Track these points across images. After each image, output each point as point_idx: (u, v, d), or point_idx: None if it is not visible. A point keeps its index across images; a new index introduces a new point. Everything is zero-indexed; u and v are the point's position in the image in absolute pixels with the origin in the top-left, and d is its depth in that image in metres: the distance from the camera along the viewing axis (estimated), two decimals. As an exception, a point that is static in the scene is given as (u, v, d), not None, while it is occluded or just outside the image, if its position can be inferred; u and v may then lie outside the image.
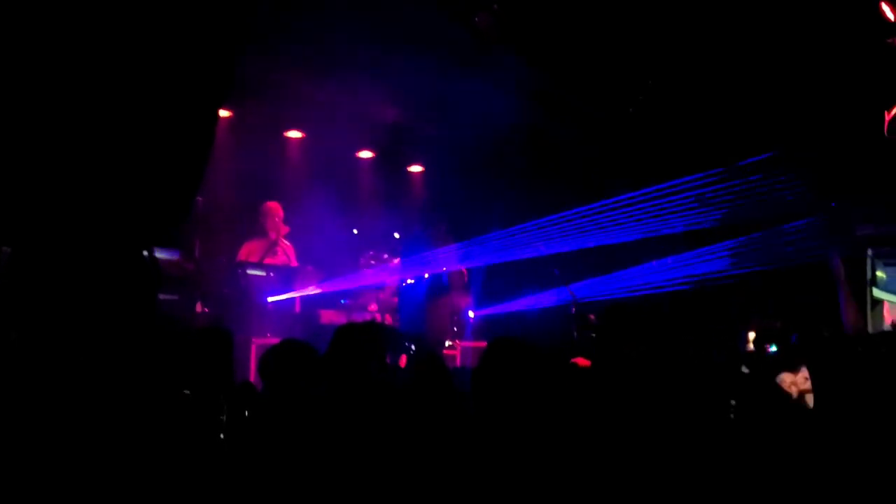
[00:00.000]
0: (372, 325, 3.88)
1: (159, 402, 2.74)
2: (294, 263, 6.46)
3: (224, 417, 2.66)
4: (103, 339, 3.56)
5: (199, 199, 6.10)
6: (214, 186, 6.09)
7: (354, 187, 7.75)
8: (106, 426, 2.40)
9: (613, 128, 6.84)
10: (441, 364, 3.19)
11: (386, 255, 6.98)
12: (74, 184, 4.45)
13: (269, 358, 3.26)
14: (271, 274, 6.10)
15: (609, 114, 6.81)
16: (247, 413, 2.75)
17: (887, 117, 4.99)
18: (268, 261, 6.29)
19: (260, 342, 5.46)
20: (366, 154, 8.05)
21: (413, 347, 4.50)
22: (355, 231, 7.05)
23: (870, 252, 6.02)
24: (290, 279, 6.20)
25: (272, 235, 6.38)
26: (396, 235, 7.14)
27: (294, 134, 7.54)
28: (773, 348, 4.55)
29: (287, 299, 6.10)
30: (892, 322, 5.66)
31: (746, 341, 5.03)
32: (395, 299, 6.95)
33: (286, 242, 6.49)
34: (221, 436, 2.60)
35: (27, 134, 4.19)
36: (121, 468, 2.13)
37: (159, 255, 4.95)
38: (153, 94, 4.44)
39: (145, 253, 4.79)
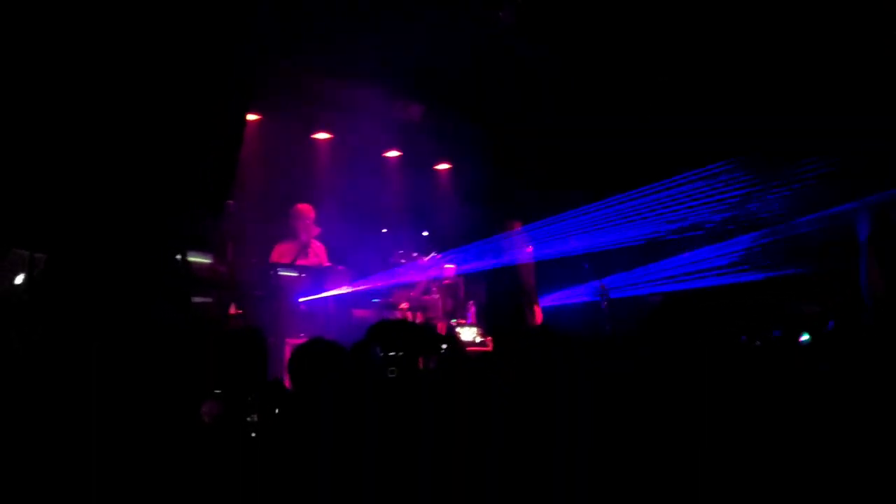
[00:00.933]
0: (403, 324, 3.90)
1: (191, 402, 2.80)
2: (326, 264, 6.52)
3: (254, 417, 2.70)
4: (138, 341, 3.65)
5: (231, 202, 6.20)
6: (245, 190, 6.17)
7: (383, 187, 7.80)
8: (138, 423, 2.46)
9: (640, 117, 6.81)
10: (469, 362, 3.21)
11: (415, 254, 7.03)
12: (108, 190, 4.55)
13: (298, 357, 3.30)
14: (303, 275, 6.17)
15: (636, 100, 6.78)
16: (277, 411, 2.79)
17: None
18: (300, 262, 6.36)
19: (293, 342, 5.52)
20: (393, 153, 8.10)
21: (445, 347, 4.51)
22: (384, 230, 7.09)
23: None
24: (321, 279, 6.26)
25: (303, 237, 6.45)
26: (425, 234, 7.18)
27: (322, 136, 7.62)
28: (805, 336, 4.49)
29: (319, 299, 6.17)
30: None
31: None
32: (426, 297, 7.00)
33: (318, 243, 6.55)
34: (252, 434, 2.65)
35: (61, 141, 4.30)
36: (150, 466, 2.18)
37: (192, 258, 5.07)
38: (183, 101, 4.54)
39: (179, 256, 4.90)
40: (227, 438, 2.53)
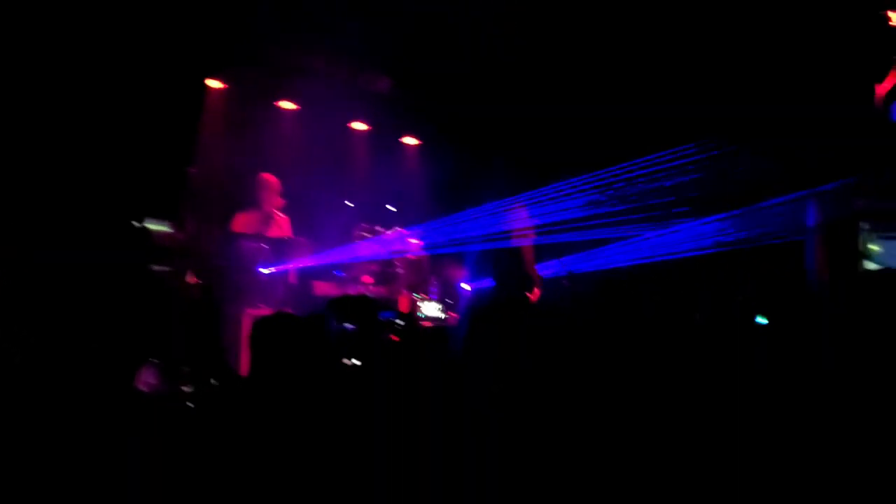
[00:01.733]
0: (365, 299, 3.89)
1: (129, 370, 2.77)
2: (289, 235, 6.46)
3: (189, 387, 2.68)
4: (97, 309, 3.59)
5: (191, 169, 6.11)
6: (206, 157, 6.09)
7: (348, 159, 7.74)
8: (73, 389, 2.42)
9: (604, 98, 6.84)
10: (425, 336, 3.21)
11: (379, 228, 7.00)
12: (69, 152, 4.45)
13: (260, 331, 3.27)
14: (264, 245, 6.11)
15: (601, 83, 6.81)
16: (213, 382, 2.76)
17: (878, 91, 4.96)
18: (262, 233, 6.29)
19: (253, 313, 5.48)
20: (359, 126, 8.03)
21: (401, 323, 4.51)
22: (349, 203, 7.04)
23: (864, 226, 6.02)
24: (283, 250, 6.21)
25: (266, 208, 6.37)
26: (390, 208, 7.14)
27: (287, 105, 7.52)
28: (762, 320, 4.56)
29: (281, 270, 6.12)
30: None
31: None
32: (389, 271, 6.98)
33: (281, 215, 6.49)
34: (189, 405, 2.62)
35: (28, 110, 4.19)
36: (84, 434, 2.15)
37: (150, 225, 5.00)
38: (140, 67, 4.43)
39: (136, 223, 4.83)
40: (164, 408, 2.50)
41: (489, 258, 6.47)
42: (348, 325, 3.31)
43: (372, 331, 3.65)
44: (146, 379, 2.73)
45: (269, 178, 6.40)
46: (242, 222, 6.26)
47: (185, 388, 2.64)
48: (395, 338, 5.49)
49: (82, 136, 4.55)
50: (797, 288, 5.08)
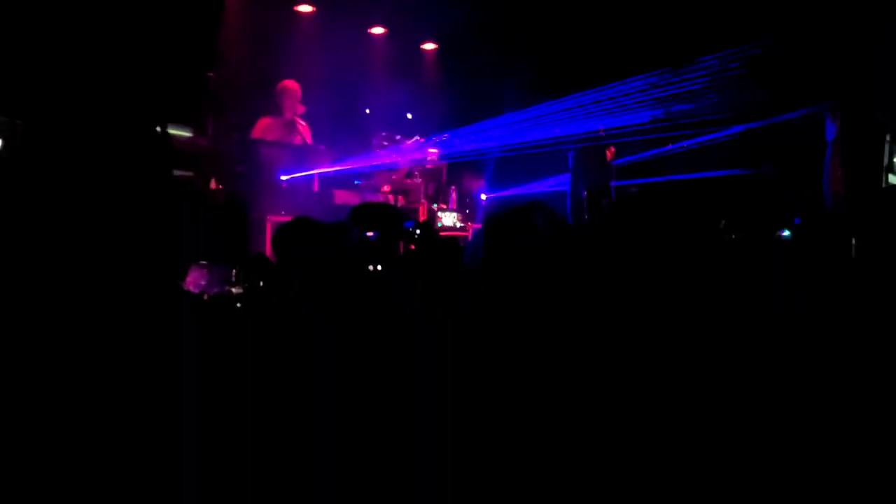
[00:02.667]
0: (387, 207, 3.91)
1: (176, 271, 2.84)
2: (311, 143, 6.45)
3: (238, 289, 2.75)
4: (119, 213, 3.65)
5: (211, 74, 6.06)
6: (226, 63, 6.03)
7: (367, 65, 7.63)
8: (122, 293, 2.49)
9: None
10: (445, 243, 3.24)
11: (399, 136, 6.98)
12: (87, 60, 4.44)
13: (283, 234, 3.33)
14: (285, 152, 6.12)
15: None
16: (261, 283, 2.84)
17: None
18: (284, 140, 6.29)
19: (275, 219, 5.54)
20: (377, 30, 7.88)
21: (419, 232, 4.54)
22: (367, 111, 6.99)
23: (888, 138, 5.94)
24: (303, 158, 6.22)
25: (288, 115, 6.34)
26: (409, 116, 7.10)
27: (304, 8, 7.37)
28: (786, 232, 4.57)
29: (301, 178, 6.15)
30: None
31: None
32: (408, 181, 6.99)
33: (302, 122, 6.46)
34: (238, 305, 2.71)
35: (44, 13, 4.16)
36: (135, 335, 2.22)
37: (173, 131, 5.01)
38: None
39: (159, 129, 4.84)
40: (213, 308, 2.57)
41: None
42: (370, 233, 3.36)
43: (394, 239, 3.70)
44: (195, 280, 2.81)
45: (291, 84, 6.35)
46: (264, 129, 6.25)
47: (235, 289, 2.71)
48: (412, 247, 5.57)
49: (103, 42, 4.51)
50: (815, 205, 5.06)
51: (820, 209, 5.22)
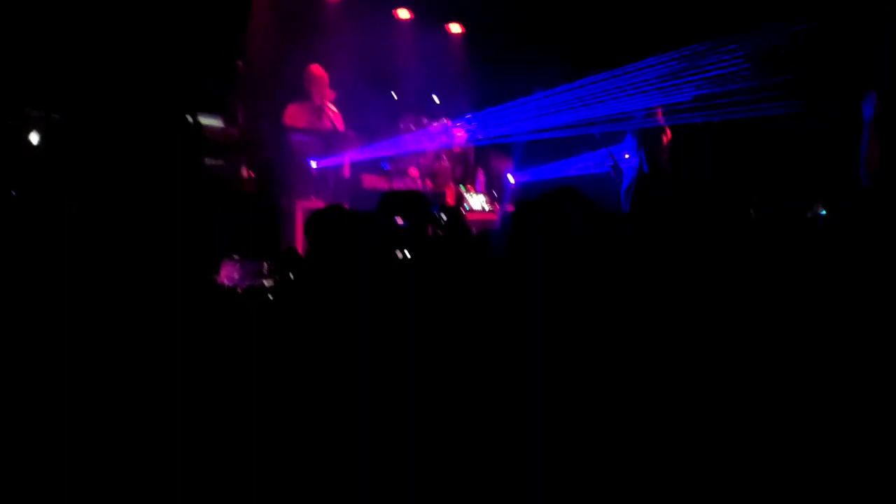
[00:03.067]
0: (415, 194, 3.92)
1: (209, 265, 2.90)
2: (341, 129, 6.47)
3: (269, 281, 2.80)
4: (152, 205, 3.72)
5: (240, 63, 6.11)
6: (255, 50, 6.07)
7: (393, 49, 7.63)
8: (154, 286, 2.55)
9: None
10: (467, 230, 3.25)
11: (425, 120, 6.98)
12: (119, 50, 4.50)
13: (315, 222, 3.36)
14: (314, 138, 6.16)
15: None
16: (291, 276, 2.88)
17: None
18: (314, 126, 6.31)
19: (305, 205, 5.60)
20: (403, 13, 7.87)
21: (444, 217, 4.55)
22: (395, 95, 7.00)
23: None
24: (332, 143, 6.25)
25: (317, 101, 6.36)
26: (436, 99, 7.09)
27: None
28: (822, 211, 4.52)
29: (331, 163, 6.19)
30: None
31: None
32: (436, 164, 7.00)
33: (333, 108, 6.48)
34: (269, 297, 2.76)
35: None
36: (168, 328, 2.28)
37: (203, 120, 5.07)
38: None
39: (190, 119, 4.90)
40: (245, 300, 2.62)
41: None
42: (399, 221, 3.38)
43: (423, 226, 3.72)
44: (228, 273, 2.87)
45: (318, 70, 6.37)
46: (293, 115, 6.28)
47: (266, 282, 2.76)
48: (440, 233, 5.59)
49: (134, 34, 4.57)
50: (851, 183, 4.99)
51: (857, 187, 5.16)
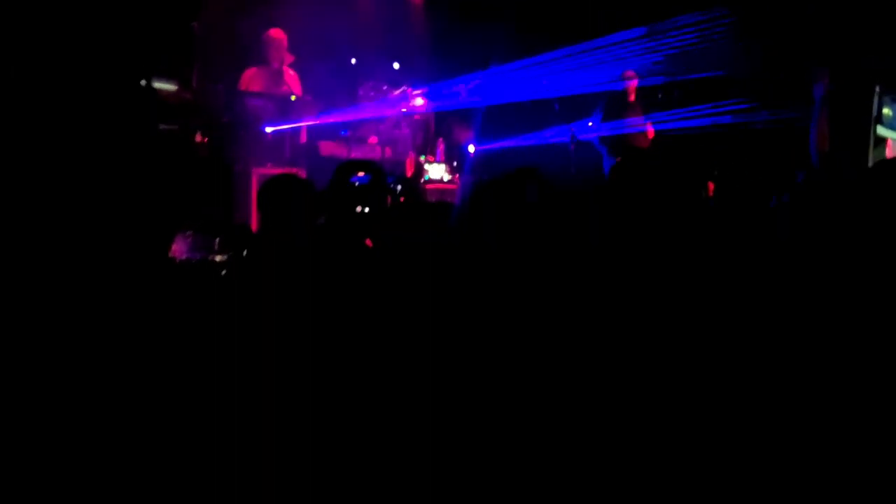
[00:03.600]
0: (371, 163, 3.85)
1: (162, 239, 2.85)
2: (299, 93, 6.36)
3: (221, 257, 2.77)
4: (104, 169, 3.64)
5: (195, 25, 5.96)
6: (209, 13, 5.92)
7: (353, 14, 7.50)
8: (108, 258, 2.51)
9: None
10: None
11: (385, 87, 6.91)
12: (71, 11, 4.35)
13: (268, 192, 3.32)
14: (270, 103, 6.06)
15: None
16: (245, 252, 2.85)
17: None
18: (272, 90, 6.20)
19: (261, 171, 5.53)
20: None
21: (399, 188, 4.54)
22: (354, 61, 6.91)
23: (877, 88, 5.93)
24: (289, 109, 6.16)
25: (275, 65, 6.24)
26: (396, 66, 7.02)
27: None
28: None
29: (288, 129, 6.11)
30: None
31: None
32: (396, 132, 6.95)
33: (291, 72, 6.36)
34: (223, 273, 2.74)
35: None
36: (122, 305, 2.24)
37: (157, 84, 4.96)
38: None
39: (143, 82, 4.79)
40: (198, 277, 2.59)
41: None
42: (359, 177, 3.32)
43: (381, 189, 3.65)
44: (179, 248, 2.83)
45: (276, 33, 6.24)
46: (250, 79, 6.16)
47: (218, 257, 2.73)
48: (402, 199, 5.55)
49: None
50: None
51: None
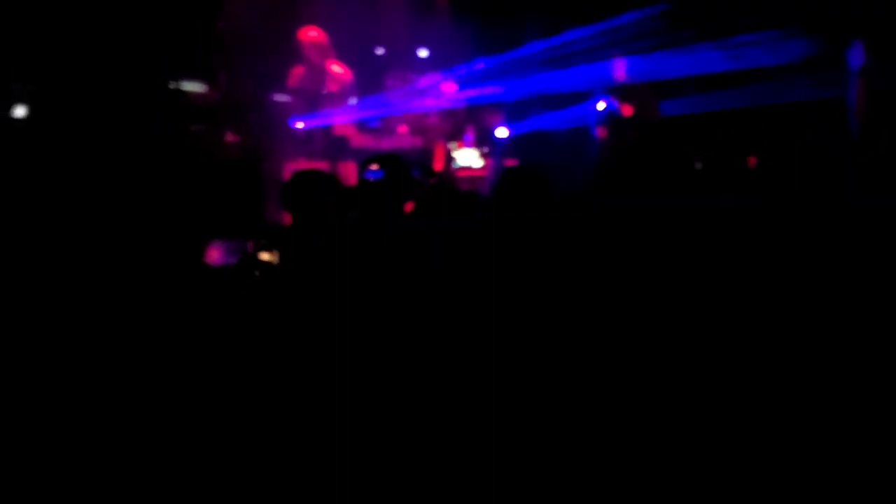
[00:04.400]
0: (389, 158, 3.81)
1: (196, 245, 2.88)
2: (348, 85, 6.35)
3: (254, 256, 2.79)
4: (134, 173, 3.69)
5: (220, 24, 5.99)
6: (234, 11, 5.94)
7: (378, 4, 7.47)
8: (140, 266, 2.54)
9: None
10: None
11: (412, 75, 6.88)
12: (96, 17, 4.41)
13: (292, 189, 3.31)
14: (300, 98, 6.10)
15: None
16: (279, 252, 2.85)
17: None
18: (314, 88, 6.24)
19: (293, 167, 5.56)
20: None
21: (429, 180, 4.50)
22: (381, 51, 6.89)
23: None
24: (319, 103, 6.20)
25: (316, 62, 6.25)
26: (424, 53, 6.98)
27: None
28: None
29: (318, 123, 6.14)
30: None
31: None
32: (425, 120, 6.93)
33: (339, 67, 6.38)
34: (256, 274, 2.75)
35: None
36: (158, 311, 2.28)
37: (185, 87, 5.00)
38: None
39: (171, 85, 4.84)
40: (235, 282, 2.59)
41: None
42: (373, 172, 3.30)
43: (402, 186, 3.64)
44: (215, 255, 2.85)
45: (311, 32, 6.24)
46: (294, 78, 6.20)
47: (258, 257, 2.75)
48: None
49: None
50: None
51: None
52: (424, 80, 6.88)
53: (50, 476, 1.92)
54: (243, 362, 2.15)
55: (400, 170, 3.40)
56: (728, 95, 6.16)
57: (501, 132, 7.60)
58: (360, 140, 6.53)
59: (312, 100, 6.14)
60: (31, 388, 2.08)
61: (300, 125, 5.97)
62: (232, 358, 2.09)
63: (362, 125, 6.57)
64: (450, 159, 6.78)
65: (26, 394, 2.06)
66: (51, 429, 2.00)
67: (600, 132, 6.40)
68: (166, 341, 2.26)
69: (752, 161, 5.85)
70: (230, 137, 5.40)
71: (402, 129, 6.83)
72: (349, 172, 5.73)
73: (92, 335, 2.24)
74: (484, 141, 7.40)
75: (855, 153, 4.85)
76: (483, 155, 7.11)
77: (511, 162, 6.79)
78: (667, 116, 6.38)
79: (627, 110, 6.22)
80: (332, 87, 6.26)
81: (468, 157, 6.93)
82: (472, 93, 7.04)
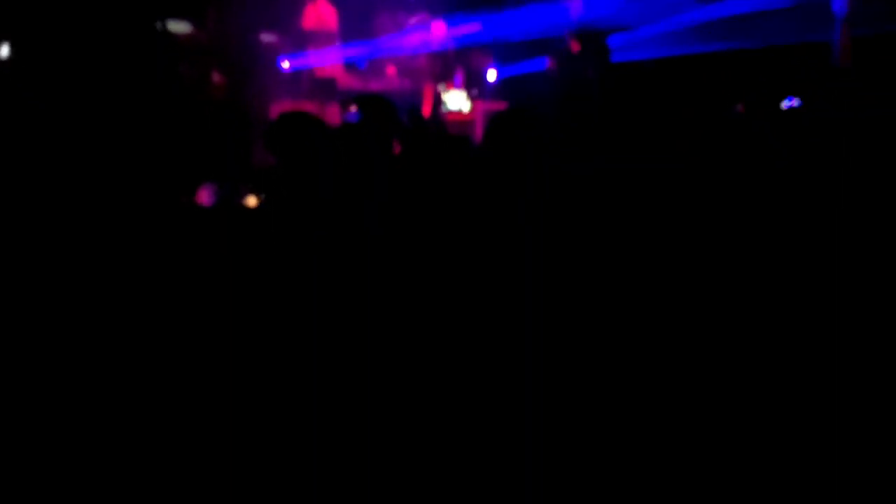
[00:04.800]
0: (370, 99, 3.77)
1: (187, 184, 2.90)
2: (333, 27, 6.31)
3: (244, 200, 2.81)
4: (119, 113, 3.69)
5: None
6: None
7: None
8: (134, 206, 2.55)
9: None
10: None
11: (402, 16, 6.81)
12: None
13: (281, 134, 3.30)
14: (286, 38, 6.05)
15: None
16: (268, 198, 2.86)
17: None
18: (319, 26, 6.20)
19: (278, 107, 5.55)
20: None
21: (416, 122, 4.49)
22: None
23: None
24: (306, 43, 6.15)
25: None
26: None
27: None
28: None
29: (303, 63, 6.10)
30: None
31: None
32: (414, 62, 6.88)
33: (328, 6, 6.35)
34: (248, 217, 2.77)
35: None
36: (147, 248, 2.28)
37: (172, 26, 4.96)
38: None
39: (158, 24, 4.80)
40: (224, 222, 2.57)
41: None
42: (351, 114, 3.30)
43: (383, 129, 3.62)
44: (205, 195, 2.87)
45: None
46: (305, 16, 6.17)
47: (244, 202, 2.78)
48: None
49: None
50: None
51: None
52: (414, 21, 6.81)
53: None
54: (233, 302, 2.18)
55: (380, 111, 3.39)
56: (712, 36, 6.14)
57: (492, 74, 7.55)
58: (347, 81, 6.50)
59: (300, 40, 6.10)
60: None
61: (286, 64, 5.93)
62: (219, 299, 2.12)
63: (350, 66, 6.53)
64: (439, 102, 6.76)
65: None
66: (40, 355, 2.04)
67: (550, 64, 6.37)
68: (149, 276, 2.28)
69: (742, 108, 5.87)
70: (217, 78, 5.38)
71: (391, 70, 6.79)
72: (336, 115, 5.74)
73: (74, 263, 2.27)
74: (473, 83, 7.36)
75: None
76: (472, 97, 7.07)
77: (499, 104, 6.77)
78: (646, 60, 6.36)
79: (575, 46, 6.16)
80: (326, 25, 6.21)
81: (457, 101, 6.90)
82: (457, 31, 6.98)
